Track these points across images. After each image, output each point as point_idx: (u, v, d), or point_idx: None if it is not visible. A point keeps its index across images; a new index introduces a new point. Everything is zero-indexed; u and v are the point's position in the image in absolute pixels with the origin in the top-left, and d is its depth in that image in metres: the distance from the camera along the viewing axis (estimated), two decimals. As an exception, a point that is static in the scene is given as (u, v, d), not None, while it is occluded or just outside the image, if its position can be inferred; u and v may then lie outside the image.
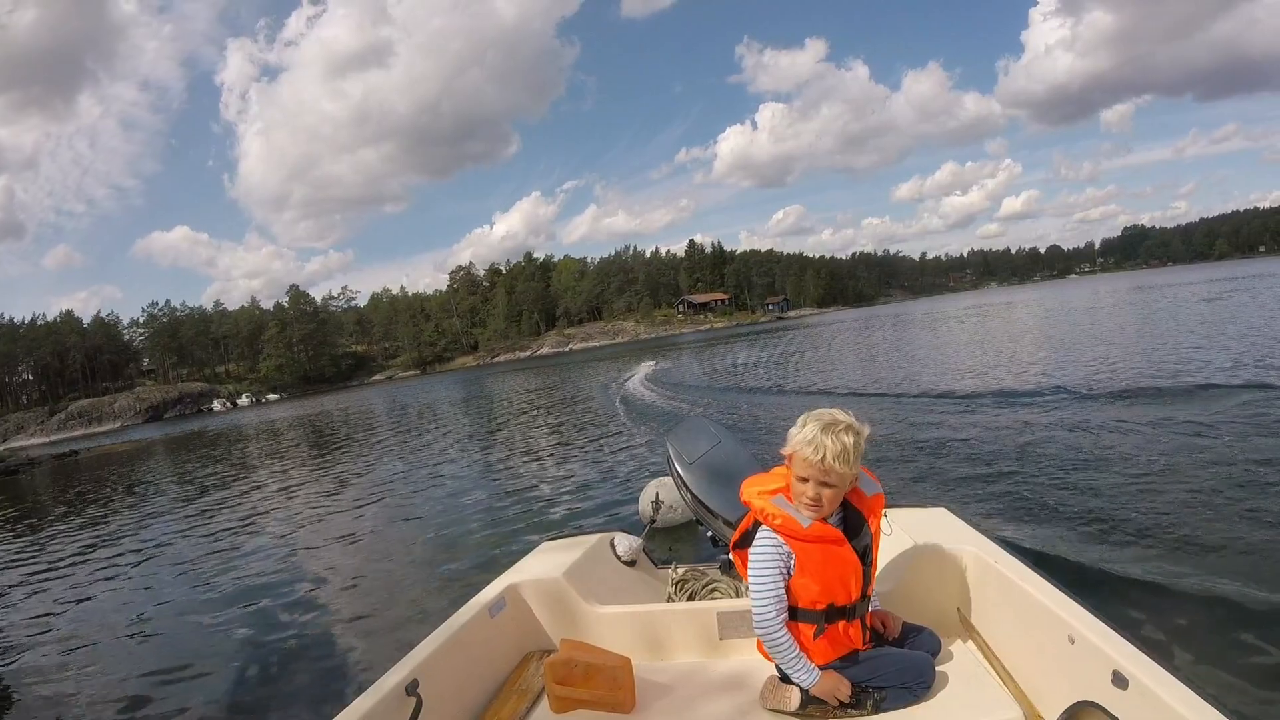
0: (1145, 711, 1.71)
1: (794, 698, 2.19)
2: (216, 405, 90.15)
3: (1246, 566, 4.29)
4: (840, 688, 2.14)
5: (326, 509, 10.25)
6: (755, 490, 2.25)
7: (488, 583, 2.95)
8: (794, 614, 2.20)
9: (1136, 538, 5.03)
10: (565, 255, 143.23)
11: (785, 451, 2.19)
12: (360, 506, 10.07)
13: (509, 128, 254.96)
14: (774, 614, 2.13)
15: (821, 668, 2.19)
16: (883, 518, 2.48)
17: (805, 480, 2.12)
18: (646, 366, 32.30)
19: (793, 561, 2.16)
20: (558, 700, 2.32)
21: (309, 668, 4.76)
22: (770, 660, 2.27)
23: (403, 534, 8.22)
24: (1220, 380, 10.92)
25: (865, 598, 2.26)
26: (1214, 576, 4.19)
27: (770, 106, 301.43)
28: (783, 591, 2.16)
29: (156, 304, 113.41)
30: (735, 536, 2.35)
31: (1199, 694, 1.65)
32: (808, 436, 2.10)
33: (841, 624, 2.22)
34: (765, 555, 2.15)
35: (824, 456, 2.08)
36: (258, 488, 13.81)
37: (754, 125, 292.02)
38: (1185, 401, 9.49)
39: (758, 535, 2.19)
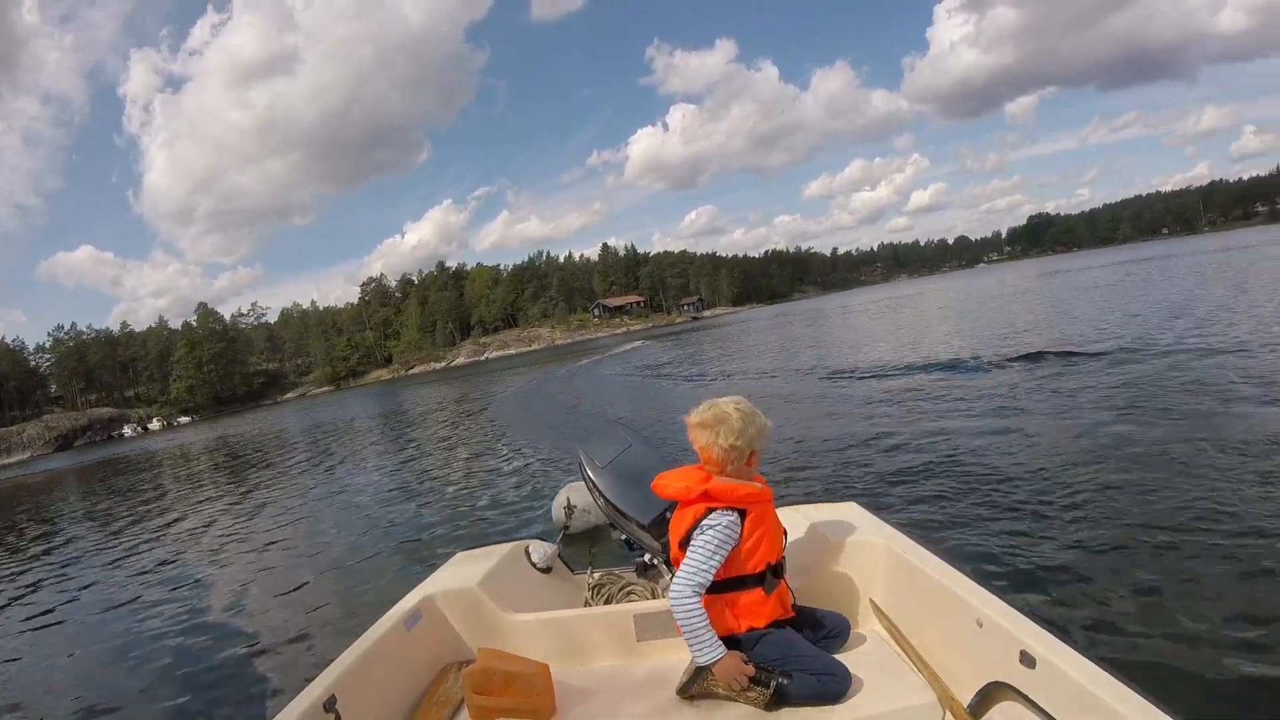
0: (1054, 688, 1.86)
1: (694, 664, 2.36)
2: (127, 431, 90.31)
3: (1144, 545, 4.62)
4: (740, 672, 2.28)
5: (240, 534, 10.38)
6: (695, 480, 2.43)
7: (404, 596, 2.99)
8: (744, 582, 2.41)
9: (1038, 522, 5.33)
10: (478, 263, 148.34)
11: (744, 442, 2.43)
12: (275, 529, 10.20)
13: (419, 134, 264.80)
14: (699, 583, 2.30)
15: (756, 632, 2.41)
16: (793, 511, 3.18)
17: (754, 454, 2.48)
18: (635, 343, 41.26)
19: (740, 535, 2.37)
20: (477, 710, 2.35)
21: (227, 691, 4.85)
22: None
23: (318, 553, 8.32)
24: (1117, 356, 12.04)
25: (784, 558, 2.53)
26: (1113, 556, 4.55)
27: (681, 108, 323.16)
28: (715, 569, 2.33)
29: (62, 328, 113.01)
30: (680, 535, 2.44)
31: (1103, 668, 1.80)
32: (763, 421, 2.49)
33: (780, 581, 2.49)
34: (723, 532, 2.33)
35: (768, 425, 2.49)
36: (170, 516, 13.73)
37: (665, 127, 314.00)
38: (1080, 388, 10.09)
39: (712, 516, 2.36)
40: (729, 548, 2.34)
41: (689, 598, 2.29)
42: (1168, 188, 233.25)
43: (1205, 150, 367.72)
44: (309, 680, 2.34)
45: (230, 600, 7.09)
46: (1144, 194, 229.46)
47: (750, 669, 2.29)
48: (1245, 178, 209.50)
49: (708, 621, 2.31)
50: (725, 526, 2.34)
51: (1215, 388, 8.75)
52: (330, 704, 2.21)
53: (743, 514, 2.38)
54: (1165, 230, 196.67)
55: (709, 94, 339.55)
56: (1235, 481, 5.48)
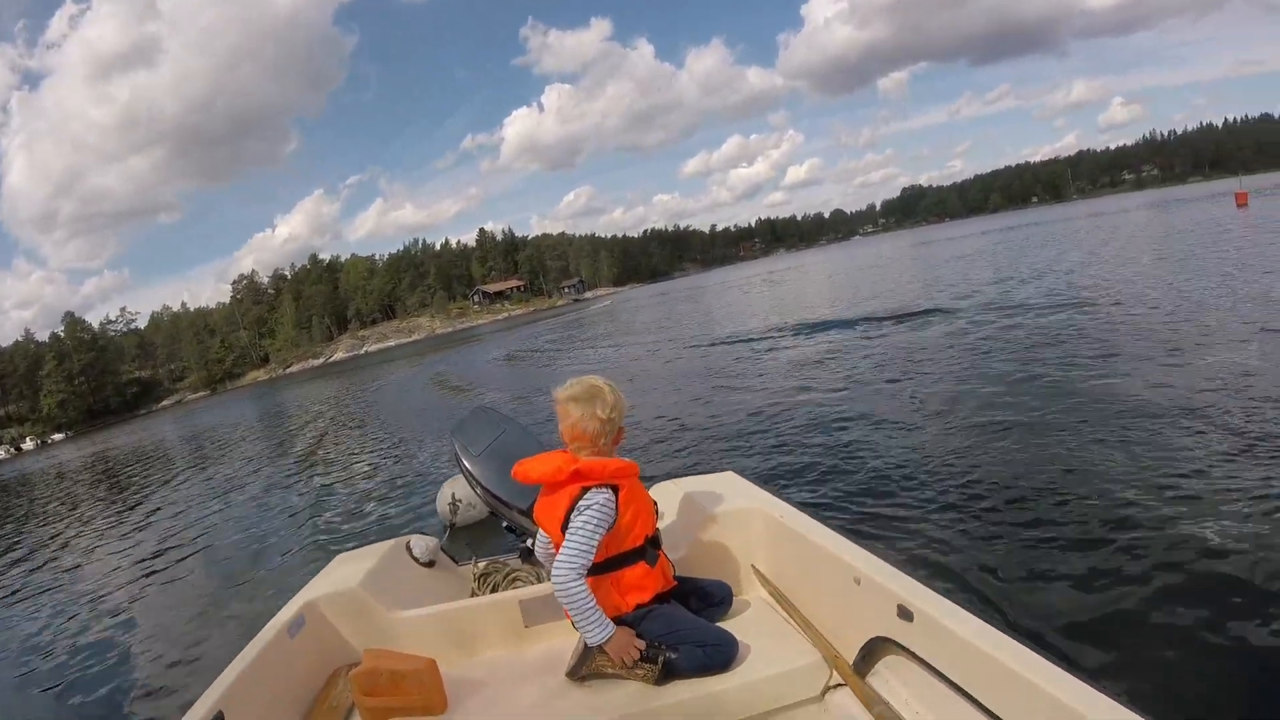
0: (931, 638, 2.00)
1: (581, 646, 2.44)
2: (0, 453, 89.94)
3: (1010, 499, 4.96)
4: (632, 646, 2.38)
5: (119, 556, 10.34)
6: (562, 462, 2.48)
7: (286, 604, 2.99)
8: (627, 558, 2.50)
9: (909, 481, 5.69)
10: (352, 254, 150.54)
11: (618, 416, 2.56)
12: (154, 548, 10.13)
13: (287, 123, 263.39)
14: (581, 564, 2.35)
15: (641, 610, 2.49)
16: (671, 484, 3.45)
17: (622, 430, 2.59)
18: (608, 299, 46.90)
19: (616, 511, 2.44)
20: (368, 712, 2.40)
21: (112, 716, 4.95)
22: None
23: (198, 568, 8.38)
24: (985, 319, 12.85)
25: (658, 529, 2.65)
26: (982, 510, 4.87)
27: (556, 88, 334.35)
28: (595, 549, 2.38)
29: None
30: (560, 519, 2.45)
31: (977, 616, 1.93)
32: (620, 395, 2.58)
33: (659, 553, 2.59)
34: (601, 510, 2.39)
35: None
36: (48, 543, 13.64)
37: (540, 108, 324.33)
38: (949, 351, 10.85)
39: (588, 495, 2.41)
40: (608, 525, 2.42)
41: (573, 580, 2.34)
42: (1037, 158, 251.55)
43: (1074, 122, 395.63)
44: (195, 700, 2.31)
45: (110, 625, 7.02)
46: (1015, 164, 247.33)
47: (641, 643, 2.40)
48: (1112, 147, 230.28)
49: (595, 601, 2.38)
50: (602, 504, 2.40)
51: (1082, 347, 9.26)
52: None
53: (616, 490, 2.46)
54: (1035, 199, 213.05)
55: (584, 73, 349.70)
56: (1091, 438, 5.81)
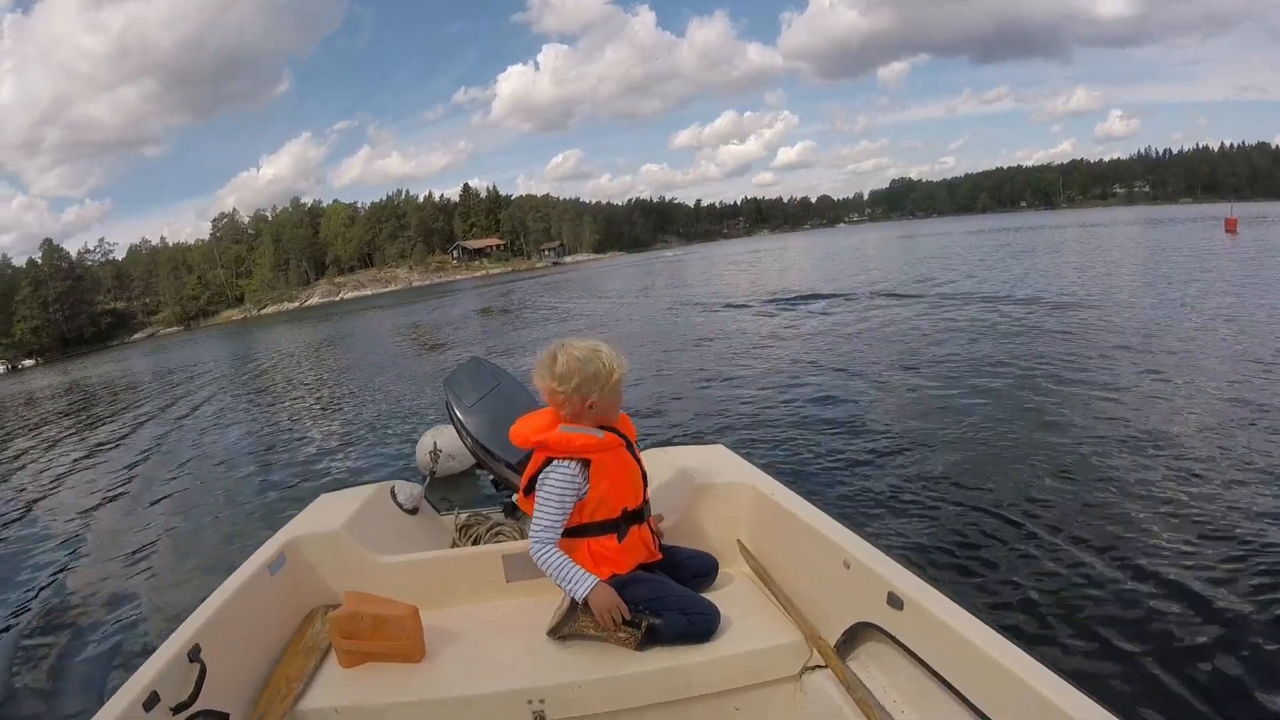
0: (920, 628, 1.99)
1: (565, 606, 2.48)
2: None
3: (1007, 492, 4.99)
4: (617, 606, 2.41)
5: (94, 486, 10.34)
6: (534, 430, 2.55)
7: (266, 541, 3.03)
8: (598, 529, 2.55)
9: (900, 467, 5.74)
10: (335, 200, 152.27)
11: (570, 388, 2.50)
12: (130, 481, 10.17)
13: (280, 63, 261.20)
14: (550, 536, 2.47)
15: (623, 576, 2.54)
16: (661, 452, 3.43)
17: (594, 403, 2.52)
18: (671, 253, 52.77)
19: (587, 483, 2.50)
20: (346, 655, 2.46)
21: (87, 646, 4.93)
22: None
23: (176, 504, 8.38)
24: (981, 311, 13.48)
25: (647, 502, 2.69)
26: (979, 503, 4.88)
27: (554, 48, 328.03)
28: (564, 519, 2.49)
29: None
30: (524, 482, 2.59)
31: (969, 610, 1.91)
32: (606, 362, 2.52)
33: (635, 528, 2.61)
34: (561, 484, 2.46)
35: (624, 373, 2.55)
36: (16, 471, 13.44)
37: (536, 66, 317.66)
38: (943, 338, 11.31)
39: (550, 467, 2.48)
40: (571, 497, 2.49)
41: (541, 550, 2.48)
42: (1030, 162, 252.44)
43: (1071, 129, 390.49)
44: (171, 632, 2.31)
45: (84, 557, 7.08)
46: (1006, 166, 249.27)
47: (624, 608, 2.42)
48: (1107, 159, 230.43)
49: (569, 560, 2.48)
50: (560, 478, 2.48)
51: (1083, 353, 9.53)
52: (195, 653, 2.22)
53: (586, 463, 2.50)
54: (1024, 203, 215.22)
55: (584, 35, 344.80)
56: (1091, 427, 5.99)
